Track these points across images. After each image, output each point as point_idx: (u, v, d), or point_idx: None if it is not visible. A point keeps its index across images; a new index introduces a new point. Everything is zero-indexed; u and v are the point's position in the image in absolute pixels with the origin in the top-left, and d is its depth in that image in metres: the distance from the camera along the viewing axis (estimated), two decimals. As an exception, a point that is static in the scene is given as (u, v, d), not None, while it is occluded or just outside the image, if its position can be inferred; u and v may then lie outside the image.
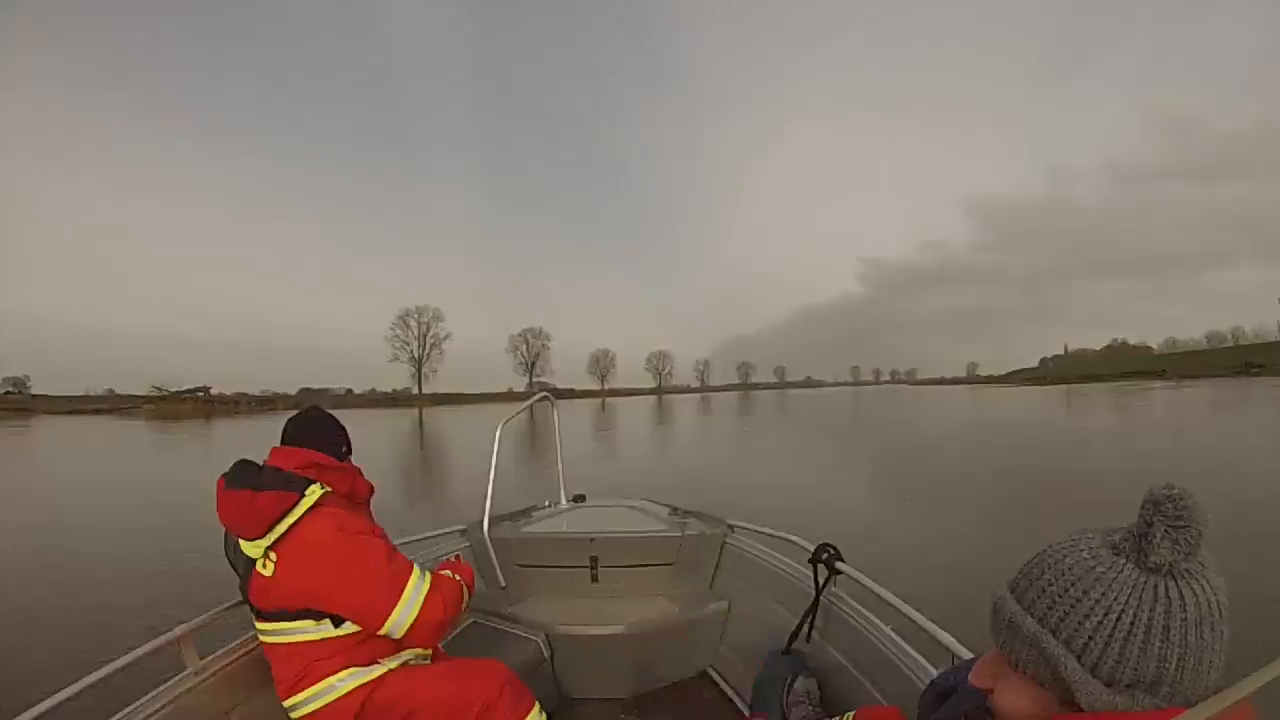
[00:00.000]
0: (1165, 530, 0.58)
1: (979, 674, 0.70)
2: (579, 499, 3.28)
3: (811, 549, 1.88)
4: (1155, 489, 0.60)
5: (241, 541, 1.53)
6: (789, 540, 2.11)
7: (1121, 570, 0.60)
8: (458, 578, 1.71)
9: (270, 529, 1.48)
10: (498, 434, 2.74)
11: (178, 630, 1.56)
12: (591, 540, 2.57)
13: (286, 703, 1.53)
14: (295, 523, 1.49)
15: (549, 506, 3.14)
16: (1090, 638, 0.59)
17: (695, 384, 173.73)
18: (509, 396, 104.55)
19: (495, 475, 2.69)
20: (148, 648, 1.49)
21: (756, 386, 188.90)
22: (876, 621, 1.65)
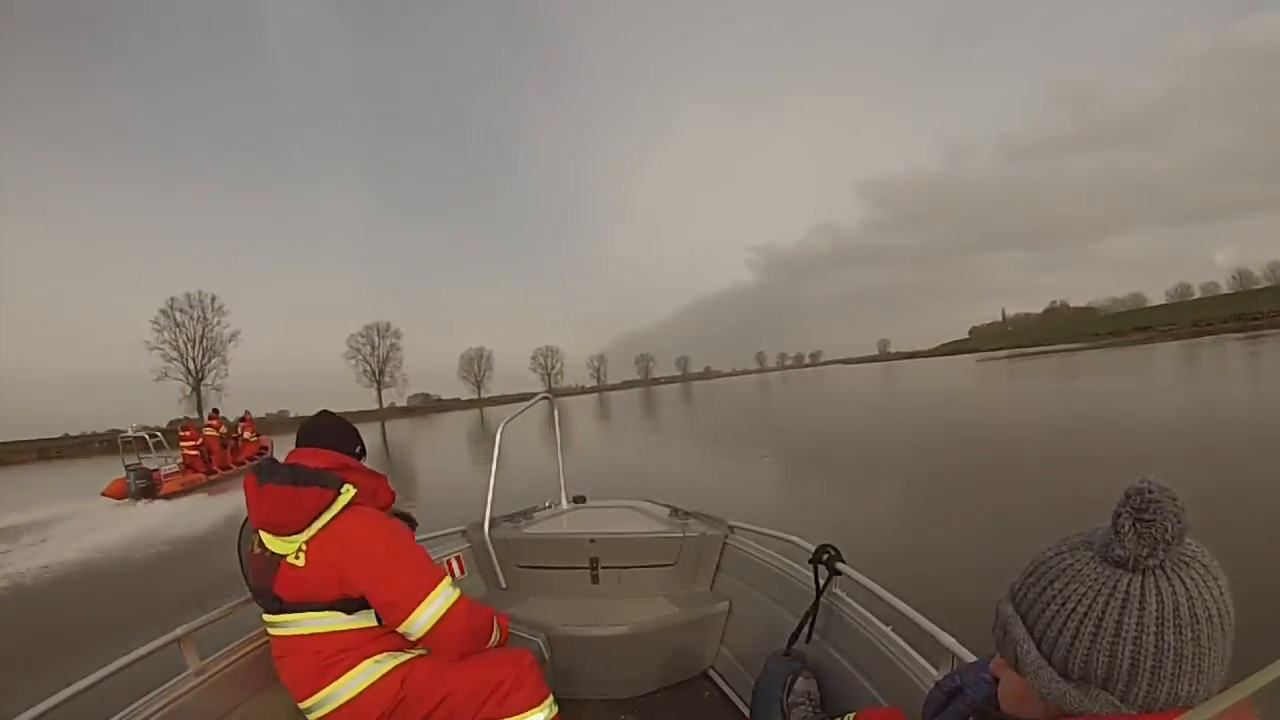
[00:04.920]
0: (1131, 524, 0.58)
1: (998, 663, 0.72)
2: (579, 500, 3.28)
3: (812, 550, 1.88)
4: (1131, 483, 0.59)
5: (269, 537, 1.53)
6: (789, 541, 2.11)
7: (1087, 563, 0.61)
8: (497, 622, 1.71)
9: (310, 524, 1.49)
10: (499, 434, 2.77)
11: (179, 630, 1.56)
12: (592, 541, 2.57)
13: (311, 700, 1.49)
14: (333, 518, 1.51)
15: (549, 507, 3.13)
16: (1049, 625, 0.62)
17: (590, 383, 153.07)
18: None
19: (495, 477, 2.70)
20: (148, 648, 1.49)
21: (656, 381, 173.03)
22: (877, 623, 1.65)
